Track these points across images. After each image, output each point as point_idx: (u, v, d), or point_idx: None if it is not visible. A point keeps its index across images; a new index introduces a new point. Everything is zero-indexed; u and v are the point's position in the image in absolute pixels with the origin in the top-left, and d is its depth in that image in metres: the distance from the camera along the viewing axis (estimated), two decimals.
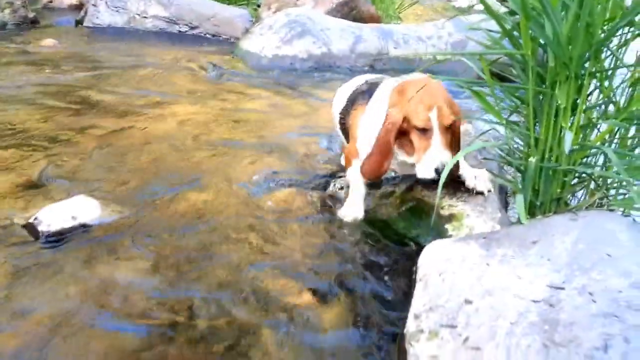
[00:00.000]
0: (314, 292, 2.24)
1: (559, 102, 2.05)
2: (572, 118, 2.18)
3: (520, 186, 2.31)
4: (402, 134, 2.35)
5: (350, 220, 2.64)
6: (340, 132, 2.95)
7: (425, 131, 2.27)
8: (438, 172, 2.21)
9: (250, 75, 5.47)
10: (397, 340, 1.99)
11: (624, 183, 2.18)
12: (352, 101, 2.74)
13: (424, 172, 2.29)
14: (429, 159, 2.25)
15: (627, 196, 2.25)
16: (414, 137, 2.31)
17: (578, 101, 2.13)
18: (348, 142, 2.77)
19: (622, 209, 2.29)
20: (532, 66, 2.11)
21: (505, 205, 2.64)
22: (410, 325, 1.88)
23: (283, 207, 2.82)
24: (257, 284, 2.24)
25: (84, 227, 2.53)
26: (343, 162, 2.97)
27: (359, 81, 2.87)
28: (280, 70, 5.67)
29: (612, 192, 2.36)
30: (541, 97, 2.22)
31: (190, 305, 2.10)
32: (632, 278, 1.72)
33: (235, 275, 2.28)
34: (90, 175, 3.07)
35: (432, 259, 2.09)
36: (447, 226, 2.50)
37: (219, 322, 2.04)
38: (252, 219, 2.70)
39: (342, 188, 2.92)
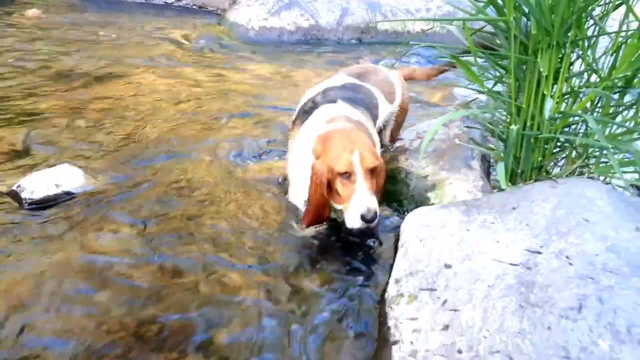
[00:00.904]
0: (299, 260, 2.26)
1: (541, 70, 2.05)
2: (554, 87, 2.18)
3: (502, 154, 2.33)
4: (329, 184, 2.20)
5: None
6: None
7: (348, 176, 2.14)
8: (365, 219, 2.09)
9: (237, 47, 5.41)
10: (378, 304, 2.01)
11: (604, 151, 2.19)
12: (299, 114, 2.62)
13: (352, 221, 2.13)
14: (354, 206, 2.11)
15: (607, 164, 2.26)
16: (339, 185, 2.18)
17: (561, 70, 2.13)
18: None
19: (601, 177, 2.31)
20: (514, 34, 2.10)
21: (487, 173, 2.66)
22: (391, 290, 1.91)
23: (267, 177, 2.82)
24: (241, 251, 2.25)
25: (67, 194, 2.52)
26: None
27: (318, 89, 2.69)
28: (267, 43, 5.62)
29: (593, 160, 2.37)
30: (524, 66, 2.22)
31: (174, 271, 2.11)
32: (609, 242, 1.74)
33: (218, 242, 2.29)
34: (74, 145, 3.05)
35: (414, 226, 2.11)
36: (429, 194, 2.52)
37: (206, 286, 2.05)
38: (236, 189, 2.70)
39: None
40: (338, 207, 2.26)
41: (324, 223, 2.42)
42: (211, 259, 2.18)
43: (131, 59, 4.67)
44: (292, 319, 1.96)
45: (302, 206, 2.42)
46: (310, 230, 2.43)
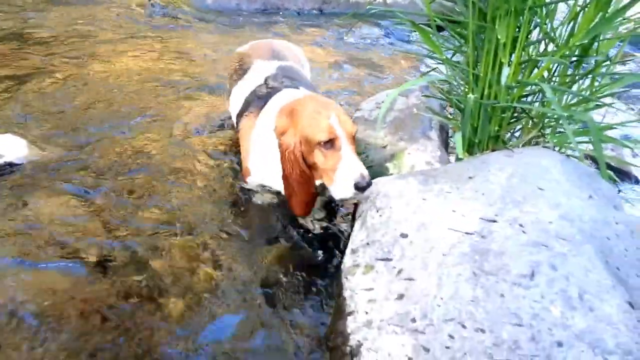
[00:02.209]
0: (255, 233, 2.22)
1: (499, 37, 2.02)
2: (512, 55, 2.16)
3: (459, 124, 2.31)
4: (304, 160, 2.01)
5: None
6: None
7: (331, 144, 1.93)
8: (360, 186, 1.88)
9: (194, 16, 5.24)
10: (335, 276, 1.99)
11: (560, 121, 2.20)
12: (247, 104, 2.39)
13: (342, 191, 1.92)
14: (344, 175, 1.90)
15: (563, 133, 2.28)
16: (318, 156, 1.96)
17: (518, 38, 2.10)
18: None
19: (557, 146, 2.32)
20: (473, 0, 2.06)
21: (446, 143, 2.65)
22: (347, 261, 1.88)
23: (221, 149, 2.75)
24: (192, 223, 2.19)
25: (10, 165, 2.40)
26: None
27: (260, 77, 2.45)
28: (225, 12, 5.46)
29: (550, 130, 2.38)
30: (483, 35, 2.19)
31: (121, 245, 2.03)
32: (562, 210, 1.75)
33: (168, 214, 2.22)
34: (20, 116, 2.90)
35: (371, 196, 2.08)
36: (388, 164, 2.49)
37: (155, 260, 1.98)
38: (189, 160, 2.62)
39: None
40: (317, 182, 2.07)
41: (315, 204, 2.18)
42: (161, 230, 2.11)
43: (80, 25, 4.46)
44: (247, 291, 1.92)
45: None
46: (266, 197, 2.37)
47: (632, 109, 4.15)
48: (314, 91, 2.41)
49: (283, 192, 2.16)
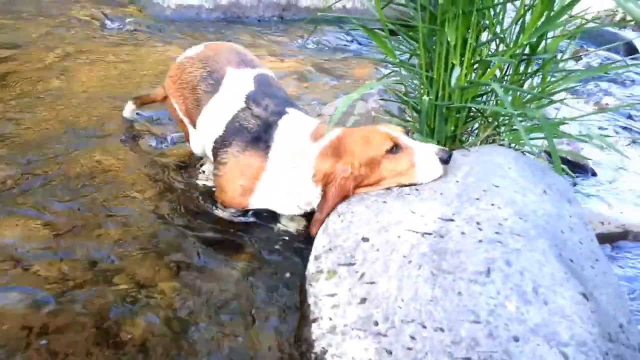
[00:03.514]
0: (219, 241, 2.20)
1: (449, 39, 2.06)
2: (464, 57, 2.20)
3: (417, 125, 2.34)
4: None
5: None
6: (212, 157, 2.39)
7: (396, 147, 1.97)
8: (444, 159, 1.94)
9: (152, 27, 5.18)
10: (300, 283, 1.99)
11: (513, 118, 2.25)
12: (232, 134, 2.22)
13: (432, 172, 1.97)
14: (426, 159, 1.95)
15: (517, 131, 2.33)
16: (389, 165, 1.99)
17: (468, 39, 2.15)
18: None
19: (512, 144, 2.38)
20: (423, 4, 2.10)
21: None
22: (311, 267, 1.89)
23: (184, 161, 2.73)
24: (154, 236, 2.17)
25: None
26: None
27: (239, 95, 2.30)
28: (185, 21, 5.42)
29: (505, 128, 2.44)
30: (434, 37, 2.23)
31: (82, 266, 1.99)
32: (517, 206, 1.79)
33: (130, 232, 2.19)
34: None
35: None
36: None
37: (114, 282, 1.95)
38: (150, 174, 2.60)
39: None
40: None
41: None
42: (123, 247, 2.09)
43: (34, 40, 4.37)
44: (213, 304, 1.91)
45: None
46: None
47: (586, 103, 4.28)
48: (293, 104, 2.34)
49: (283, 213, 2.30)
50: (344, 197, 2.03)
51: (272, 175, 2.17)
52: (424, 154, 1.96)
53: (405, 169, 1.99)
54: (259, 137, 2.16)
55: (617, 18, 7.42)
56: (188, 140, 2.68)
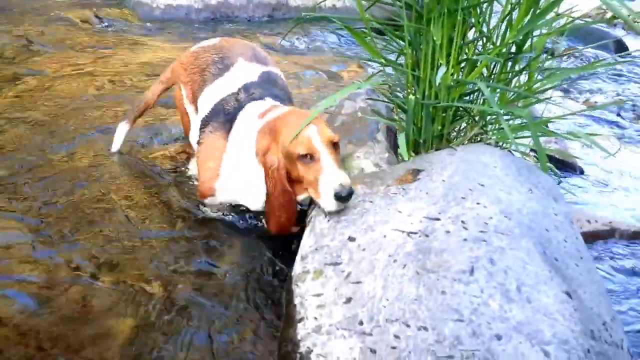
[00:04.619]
0: (204, 242, 2.20)
1: (435, 38, 2.06)
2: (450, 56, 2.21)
3: (404, 125, 2.34)
4: (289, 175, 2.00)
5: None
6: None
7: (310, 156, 1.92)
8: (340, 197, 1.85)
9: (142, 28, 5.17)
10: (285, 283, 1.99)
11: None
12: (213, 114, 2.28)
13: (327, 205, 1.88)
14: (326, 187, 1.87)
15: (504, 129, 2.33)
16: (301, 170, 1.95)
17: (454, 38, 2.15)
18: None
19: (499, 142, 2.38)
20: (409, 2, 2.10)
21: (394, 145, 2.68)
22: (297, 267, 1.88)
23: (168, 162, 2.72)
24: (140, 236, 2.16)
25: None
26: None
27: (237, 82, 2.32)
28: (174, 22, 5.40)
29: (491, 127, 2.44)
30: (420, 36, 2.23)
31: (68, 266, 1.99)
32: (502, 205, 1.80)
33: (114, 233, 2.18)
34: None
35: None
36: None
37: (100, 280, 1.94)
38: (135, 175, 2.59)
39: None
40: (301, 197, 2.05)
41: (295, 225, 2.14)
42: (107, 249, 2.08)
43: (21, 40, 4.34)
44: (196, 300, 1.90)
45: None
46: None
47: (576, 101, 4.29)
48: (290, 102, 2.36)
49: (252, 209, 2.23)
50: (285, 191, 1.98)
51: (230, 156, 2.17)
52: (326, 181, 1.88)
53: (312, 181, 1.93)
54: (229, 120, 2.20)
55: (607, 16, 7.46)
56: (187, 134, 2.63)
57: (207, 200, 2.32)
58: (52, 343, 1.68)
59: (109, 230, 2.20)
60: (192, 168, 2.62)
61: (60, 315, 1.78)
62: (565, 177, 3.18)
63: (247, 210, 2.30)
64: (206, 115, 2.31)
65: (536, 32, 2.27)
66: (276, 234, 2.11)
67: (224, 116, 2.24)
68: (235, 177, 2.19)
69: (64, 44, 4.44)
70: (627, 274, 2.46)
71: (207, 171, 2.25)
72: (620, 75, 5.36)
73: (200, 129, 2.32)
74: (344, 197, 1.86)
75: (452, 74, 2.18)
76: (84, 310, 1.82)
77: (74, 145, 2.81)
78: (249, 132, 2.12)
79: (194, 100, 2.50)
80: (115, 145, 2.75)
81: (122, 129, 2.75)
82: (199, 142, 2.32)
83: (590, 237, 2.58)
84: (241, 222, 2.34)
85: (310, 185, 1.95)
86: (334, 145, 1.96)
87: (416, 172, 2.07)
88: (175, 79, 2.64)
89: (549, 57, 2.51)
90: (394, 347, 1.44)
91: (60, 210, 2.28)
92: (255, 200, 2.17)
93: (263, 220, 2.29)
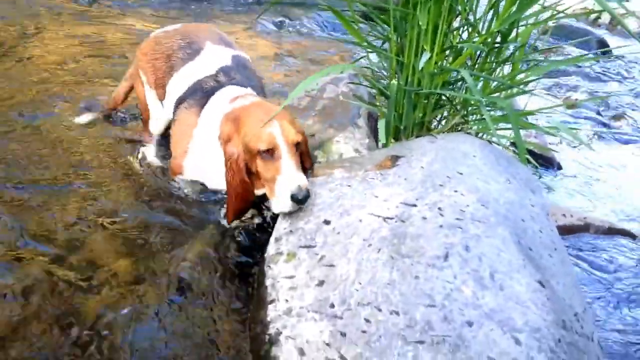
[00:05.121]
0: (176, 223, 2.15)
1: (420, 23, 2.03)
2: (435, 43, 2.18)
3: (385, 110, 2.32)
4: (247, 167, 1.96)
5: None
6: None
7: (270, 154, 1.88)
8: (297, 199, 1.81)
9: (125, 3, 5.05)
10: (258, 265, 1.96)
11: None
12: (189, 93, 2.25)
13: (280, 205, 1.86)
14: (282, 187, 1.84)
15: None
16: (260, 166, 1.91)
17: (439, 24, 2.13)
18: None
19: (480, 133, 2.37)
20: None
21: (375, 131, 2.65)
22: (270, 249, 1.85)
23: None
24: (110, 218, 2.11)
25: None
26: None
27: (212, 65, 2.28)
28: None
29: (474, 117, 2.43)
30: (406, 23, 2.20)
31: (37, 244, 1.93)
32: (480, 193, 1.78)
33: (85, 209, 2.12)
34: None
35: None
36: (316, 152, 2.47)
37: (68, 261, 1.89)
38: (109, 150, 2.53)
39: None
40: (259, 192, 2.01)
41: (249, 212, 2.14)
42: (77, 225, 2.02)
43: (8, 18, 4.21)
44: (166, 282, 1.86)
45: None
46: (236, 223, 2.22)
47: (557, 97, 4.32)
48: (262, 90, 2.36)
49: (216, 188, 2.19)
50: (243, 182, 1.94)
51: (200, 133, 2.14)
52: (282, 183, 1.85)
53: (268, 179, 1.91)
54: (205, 98, 2.17)
55: (593, 15, 7.51)
56: (146, 118, 2.59)
57: (177, 178, 2.29)
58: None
59: (81, 206, 2.14)
60: (148, 154, 2.55)
61: (27, 297, 1.73)
62: (543, 171, 3.19)
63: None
64: (182, 94, 2.27)
65: (522, 24, 2.26)
66: (229, 222, 2.07)
67: (201, 94, 2.21)
68: (202, 156, 2.14)
69: (42, 16, 4.32)
70: (600, 268, 2.47)
71: (177, 147, 2.24)
72: (600, 74, 5.41)
73: (176, 106, 2.29)
74: (300, 200, 1.82)
75: (436, 62, 2.15)
76: (49, 289, 1.77)
77: (47, 119, 2.73)
78: (217, 113, 2.08)
79: (157, 86, 2.45)
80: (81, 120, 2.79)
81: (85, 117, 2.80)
82: (173, 120, 2.30)
83: (565, 231, 2.59)
84: (214, 203, 2.29)
85: (267, 183, 1.92)
86: (296, 146, 1.92)
87: (395, 158, 2.04)
88: (136, 65, 2.57)
89: (533, 51, 2.50)
90: (364, 331, 1.42)
91: (30, 186, 2.21)
92: (217, 181, 2.11)
93: None
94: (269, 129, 1.88)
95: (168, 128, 2.46)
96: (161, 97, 2.46)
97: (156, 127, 2.59)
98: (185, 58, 2.35)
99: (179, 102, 2.27)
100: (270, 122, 1.89)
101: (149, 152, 2.56)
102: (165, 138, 2.54)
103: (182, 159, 2.21)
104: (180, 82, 2.32)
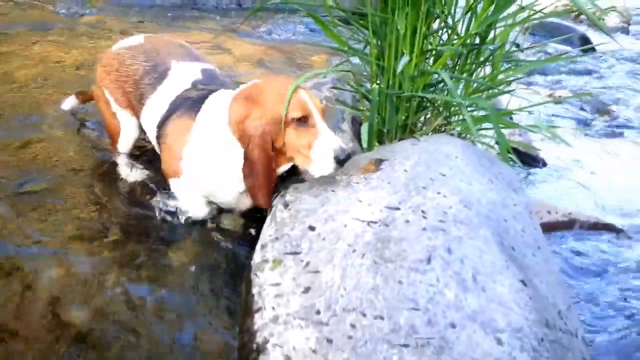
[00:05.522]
0: (162, 233, 2.15)
1: (399, 27, 2.05)
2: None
3: (368, 114, 2.33)
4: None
5: (193, 218, 2.20)
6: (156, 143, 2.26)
7: (304, 120, 1.86)
8: (339, 159, 1.82)
9: (107, 12, 5.04)
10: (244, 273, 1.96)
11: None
12: (174, 108, 2.15)
13: (323, 167, 1.86)
14: (323, 150, 1.83)
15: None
16: (291, 136, 1.88)
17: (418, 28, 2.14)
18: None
19: (463, 134, 2.39)
20: None
21: (359, 135, 2.67)
22: (256, 256, 1.85)
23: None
24: (95, 224, 2.10)
25: None
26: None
27: (185, 80, 2.22)
28: (140, 7, 5.28)
29: (456, 117, 2.45)
30: (385, 26, 2.22)
31: (16, 254, 1.92)
32: (462, 194, 1.80)
33: (70, 221, 2.12)
34: None
35: (281, 190, 2.07)
36: None
37: (50, 270, 1.89)
38: (87, 159, 2.51)
39: None
40: (283, 168, 1.99)
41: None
42: (58, 235, 2.02)
43: None
44: (154, 292, 1.86)
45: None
46: (197, 211, 2.21)
47: (539, 94, 4.35)
48: None
49: (221, 201, 2.13)
50: (268, 157, 1.90)
51: (197, 133, 2.05)
52: (323, 144, 1.84)
53: (302, 147, 1.88)
54: (195, 105, 2.08)
55: (574, 13, 7.58)
56: (114, 136, 2.49)
57: (171, 182, 2.18)
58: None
59: (62, 215, 2.14)
60: (123, 172, 2.47)
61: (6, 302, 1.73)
62: (528, 169, 3.21)
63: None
64: (165, 113, 2.17)
65: (501, 24, 2.28)
66: (266, 206, 2.00)
67: (189, 102, 2.13)
68: (201, 156, 2.06)
69: (24, 26, 4.30)
70: (585, 264, 2.50)
71: (170, 156, 2.13)
72: (584, 71, 5.46)
73: (162, 126, 2.17)
74: (342, 160, 1.84)
75: (416, 64, 2.17)
76: (34, 298, 1.77)
77: (26, 129, 2.71)
78: (219, 108, 2.01)
79: (128, 105, 2.36)
80: (65, 106, 2.80)
81: (71, 100, 2.81)
82: (163, 135, 2.16)
83: (550, 228, 2.62)
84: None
85: (300, 152, 1.89)
86: (324, 112, 1.93)
87: (379, 162, 2.06)
88: (98, 82, 2.44)
89: (515, 50, 2.52)
90: (350, 337, 1.43)
91: (6, 195, 2.21)
92: (226, 191, 2.06)
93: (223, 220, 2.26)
94: (298, 96, 1.87)
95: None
96: (134, 116, 2.38)
97: (125, 145, 2.49)
98: (154, 83, 2.25)
99: (164, 120, 2.17)
100: (296, 90, 1.87)
101: (124, 171, 2.48)
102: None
103: (176, 163, 2.10)
104: (155, 105, 2.23)
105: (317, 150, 1.85)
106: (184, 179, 2.14)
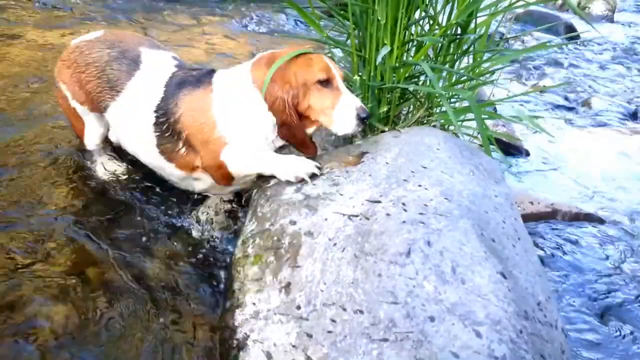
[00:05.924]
0: (144, 230, 2.13)
1: (379, 18, 2.03)
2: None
3: None
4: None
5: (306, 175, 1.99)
6: (153, 138, 2.14)
7: (327, 82, 1.94)
8: (362, 117, 1.92)
9: (86, 3, 4.96)
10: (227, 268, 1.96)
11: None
12: (176, 88, 2.09)
13: (346, 126, 1.95)
14: (346, 109, 1.93)
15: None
16: (316, 97, 1.95)
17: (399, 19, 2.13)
18: (179, 147, 2.10)
19: (445, 125, 2.39)
20: None
21: None
22: (238, 252, 1.84)
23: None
24: (79, 229, 2.08)
25: None
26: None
27: (168, 65, 2.19)
28: (122, 0, 5.21)
29: (438, 109, 2.44)
30: (366, 17, 2.20)
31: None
32: (443, 186, 1.79)
33: (55, 222, 2.09)
34: None
35: (262, 185, 2.05)
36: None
37: (34, 270, 1.87)
38: (76, 160, 2.48)
39: None
40: (309, 130, 2.05)
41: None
42: (41, 233, 2.00)
43: None
44: (135, 290, 1.85)
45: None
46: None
47: (524, 84, 4.35)
48: None
49: (276, 146, 2.10)
50: (298, 116, 1.98)
51: (219, 98, 2.03)
52: (346, 103, 1.94)
53: (326, 108, 1.97)
54: (199, 82, 2.08)
55: (559, 2, 7.59)
56: (80, 134, 2.42)
57: (233, 157, 2.03)
58: None
59: (47, 215, 2.11)
60: (97, 171, 2.43)
61: None
62: (511, 159, 3.22)
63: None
64: (163, 96, 2.10)
65: (483, 14, 2.27)
66: (315, 154, 2.10)
67: (191, 79, 2.09)
68: (231, 117, 2.02)
69: (3, 21, 4.23)
70: (566, 254, 2.51)
71: (203, 127, 2.03)
72: (569, 58, 5.47)
73: (167, 108, 2.09)
74: (363, 118, 1.93)
75: (397, 56, 2.15)
76: (14, 298, 1.75)
77: (8, 127, 2.68)
78: (236, 77, 2.05)
79: (90, 100, 2.27)
80: None
81: None
82: (169, 116, 2.08)
83: (533, 218, 2.63)
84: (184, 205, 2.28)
85: (323, 113, 1.98)
86: (342, 76, 2.02)
87: (361, 155, 2.04)
88: (57, 77, 2.36)
89: (500, 40, 2.51)
90: (330, 331, 1.43)
91: None
92: (253, 136, 2.03)
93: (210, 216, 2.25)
94: (322, 59, 1.97)
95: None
96: (94, 110, 2.31)
97: (92, 142, 2.42)
98: (126, 70, 2.19)
99: (167, 103, 2.09)
100: (319, 55, 1.98)
101: (98, 169, 2.43)
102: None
103: (214, 131, 2.03)
104: (141, 92, 2.15)
105: (340, 110, 1.95)
106: (236, 144, 2.04)
